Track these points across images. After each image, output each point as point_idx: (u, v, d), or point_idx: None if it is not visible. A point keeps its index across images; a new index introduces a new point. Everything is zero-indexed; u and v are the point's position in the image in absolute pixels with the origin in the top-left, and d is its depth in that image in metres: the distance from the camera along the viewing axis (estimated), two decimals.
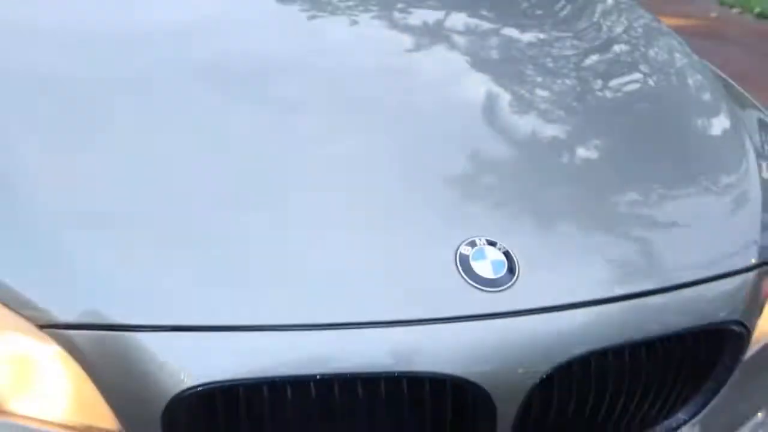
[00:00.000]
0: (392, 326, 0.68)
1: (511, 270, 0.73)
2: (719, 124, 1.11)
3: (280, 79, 0.98)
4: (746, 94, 1.30)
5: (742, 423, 1.12)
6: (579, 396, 0.73)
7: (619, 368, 0.74)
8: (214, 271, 0.72)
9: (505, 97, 1.06)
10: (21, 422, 0.73)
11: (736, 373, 0.90)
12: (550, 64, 1.15)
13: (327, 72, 1.00)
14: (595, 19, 1.41)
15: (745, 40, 3.78)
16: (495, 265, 0.72)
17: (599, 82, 1.16)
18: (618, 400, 0.76)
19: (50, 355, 0.71)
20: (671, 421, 0.84)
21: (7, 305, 0.70)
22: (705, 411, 0.87)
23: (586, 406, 0.74)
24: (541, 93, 1.10)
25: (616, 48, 1.30)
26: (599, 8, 1.43)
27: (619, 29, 1.38)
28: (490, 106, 1.01)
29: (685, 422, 0.85)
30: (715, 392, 0.89)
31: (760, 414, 1.22)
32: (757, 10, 5.96)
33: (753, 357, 0.93)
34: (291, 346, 0.67)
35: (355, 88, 0.98)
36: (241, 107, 0.93)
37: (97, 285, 0.70)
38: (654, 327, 0.75)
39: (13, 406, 0.73)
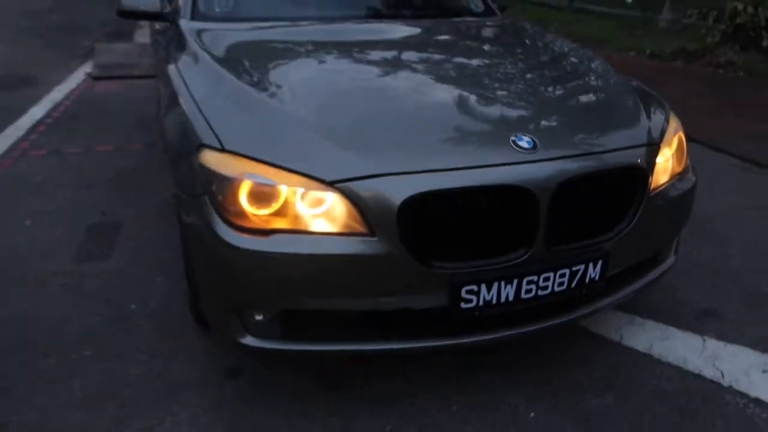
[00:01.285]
0: (495, 167, 1.56)
1: (534, 145, 1.62)
2: (622, 86, 2.11)
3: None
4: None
5: (655, 261, 2.01)
6: (568, 202, 1.61)
7: (584, 188, 1.63)
8: (408, 142, 1.59)
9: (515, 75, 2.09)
10: (318, 236, 1.53)
11: (644, 209, 1.78)
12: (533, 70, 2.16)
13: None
14: (557, 52, 2.49)
15: (642, 75, 4.94)
16: (528, 143, 1.61)
17: (555, 72, 2.16)
18: (583, 207, 1.65)
19: (332, 197, 1.52)
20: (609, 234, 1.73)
21: (307, 174, 1.52)
22: (626, 231, 1.74)
23: (571, 207, 1.62)
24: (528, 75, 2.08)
25: (568, 59, 2.34)
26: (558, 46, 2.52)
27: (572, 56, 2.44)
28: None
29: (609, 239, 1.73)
30: (632, 218, 1.77)
31: (669, 259, 2.11)
32: (648, 51, 7.42)
33: (653, 197, 1.82)
34: (449, 176, 1.53)
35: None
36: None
37: (350, 159, 1.54)
38: (596, 165, 1.65)
39: (313, 228, 1.54)
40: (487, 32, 2.85)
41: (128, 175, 3.56)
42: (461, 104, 1.88)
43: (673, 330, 2.23)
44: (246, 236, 1.55)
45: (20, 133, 4.25)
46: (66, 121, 4.56)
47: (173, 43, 2.53)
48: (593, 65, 2.37)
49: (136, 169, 3.66)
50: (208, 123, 1.70)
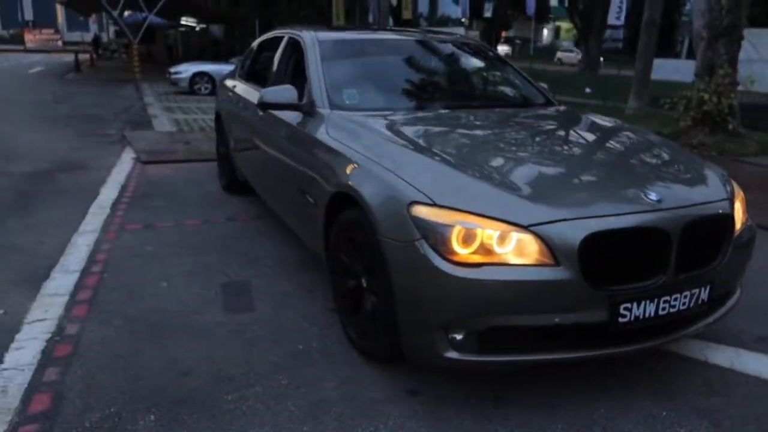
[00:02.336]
0: (640, 213, 2.13)
1: (660, 198, 2.19)
2: (692, 156, 2.74)
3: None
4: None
5: (730, 291, 2.57)
6: (688, 240, 2.17)
7: (698, 230, 2.20)
8: (576, 194, 2.20)
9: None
10: (515, 267, 2.04)
11: (731, 247, 2.35)
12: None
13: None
14: (632, 132, 3.14)
15: None
16: (656, 196, 2.19)
17: (643, 146, 2.82)
18: (697, 244, 2.21)
19: (527, 236, 2.04)
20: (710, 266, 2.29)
21: (507, 220, 2.04)
22: (722, 263, 2.30)
23: (690, 244, 2.18)
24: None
25: (644, 137, 3.02)
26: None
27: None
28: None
29: (714, 268, 2.29)
30: (726, 253, 2.33)
31: (737, 293, 2.67)
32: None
33: (735, 238, 2.40)
34: (612, 220, 2.07)
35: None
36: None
37: (545, 206, 2.09)
38: (706, 212, 2.24)
39: (511, 260, 2.04)
40: (570, 117, 3.50)
41: (229, 243, 3.98)
42: (596, 168, 2.49)
43: (742, 351, 2.76)
44: (459, 268, 2.03)
45: (107, 211, 4.64)
46: (141, 200, 4.97)
47: (313, 127, 3.06)
48: (663, 140, 3.03)
49: (231, 237, 4.09)
50: (412, 185, 2.21)
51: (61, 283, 3.28)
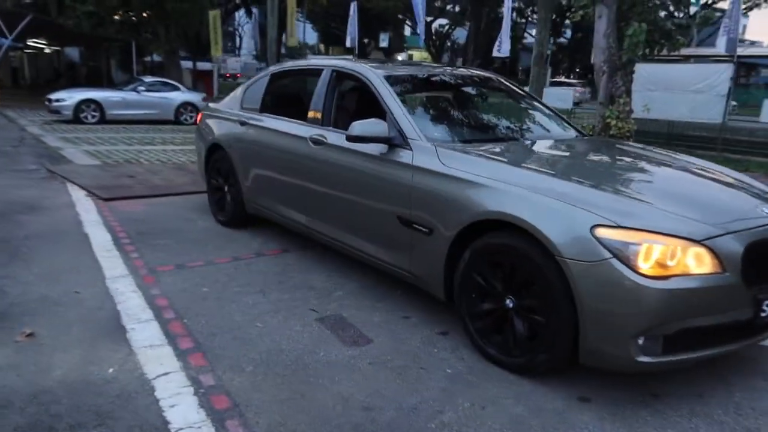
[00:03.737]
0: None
1: None
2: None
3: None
4: None
5: None
6: None
7: None
8: (725, 213, 2.57)
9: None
10: (695, 276, 2.36)
11: None
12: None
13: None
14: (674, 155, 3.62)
15: None
16: None
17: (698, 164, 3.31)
18: None
19: (701, 249, 2.38)
20: None
21: (684, 237, 2.36)
22: None
23: None
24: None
25: (688, 158, 3.47)
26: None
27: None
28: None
29: None
30: None
31: None
32: None
33: None
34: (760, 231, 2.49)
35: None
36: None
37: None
38: None
39: (691, 270, 2.36)
40: (613, 144, 3.93)
41: (281, 278, 3.89)
42: (706, 187, 2.93)
43: None
44: (652, 281, 2.30)
45: (116, 253, 4.27)
46: (144, 239, 4.63)
47: (417, 158, 3.17)
48: (702, 161, 3.57)
49: (277, 272, 3.99)
50: (586, 209, 2.45)
51: (146, 334, 3.02)
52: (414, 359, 2.87)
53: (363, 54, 46.50)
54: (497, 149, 3.31)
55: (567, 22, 37.53)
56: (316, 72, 4.22)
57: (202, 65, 28.09)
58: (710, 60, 16.52)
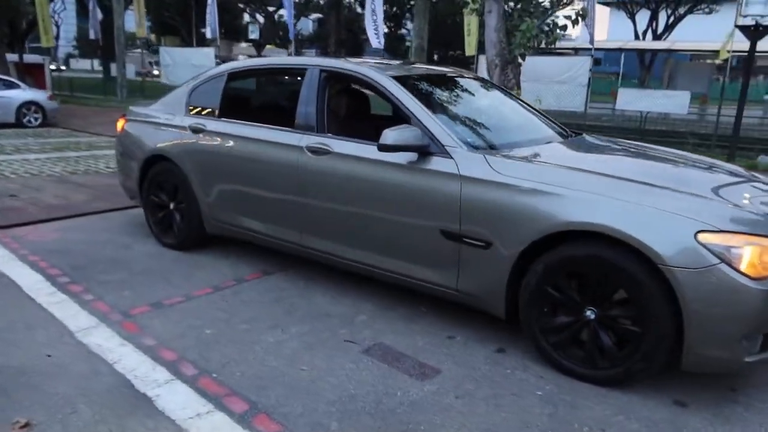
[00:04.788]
0: None
1: None
2: None
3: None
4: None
5: None
6: None
7: None
8: None
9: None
10: None
11: None
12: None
13: None
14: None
15: None
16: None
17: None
18: None
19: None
20: None
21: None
22: None
23: None
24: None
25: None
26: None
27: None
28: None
29: None
30: None
31: None
32: None
33: None
34: None
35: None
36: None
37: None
38: None
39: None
40: (616, 142, 3.99)
41: (287, 307, 3.44)
42: (757, 188, 3.04)
43: None
44: (756, 282, 2.33)
45: (63, 296, 3.48)
46: (87, 275, 3.84)
47: (461, 166, 2.94)
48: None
49: (277, 299, 3.53)
50: (684, 215, 2.42)
51: (179, 399, 2.46)
52: (496, 385, 2.67)
53: (204, 44, 43.95)
54: (546, 153, 3.21)
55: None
56: (295, 72, 3.78)
57: (29, 57, 24.61)
58: (571, 52, 18.10)
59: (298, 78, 3.79)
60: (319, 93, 3.63)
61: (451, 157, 3.01)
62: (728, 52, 11.74)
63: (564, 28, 10.74)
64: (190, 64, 18.94)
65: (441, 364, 2.84)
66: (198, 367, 2.74)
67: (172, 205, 4.41)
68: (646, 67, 30.30)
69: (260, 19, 38.92)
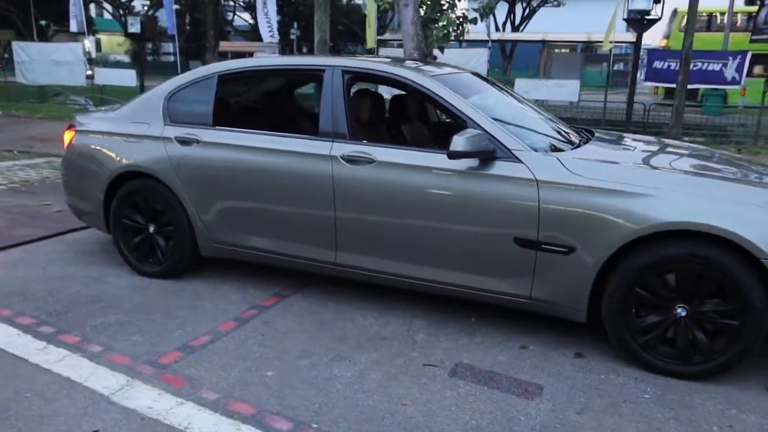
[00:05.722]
0: None
1: None
2: None
3: None
4: None
5: None
6: None
7: None
8: None
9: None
10: None
11: None
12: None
13: None
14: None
15: None
16: None
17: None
18: None
19: None
20: None
21: None
22: None
23: None
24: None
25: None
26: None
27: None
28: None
29: None
30: None
31: None
32: None
33: None
34: None
35: None
36: None
37: None
38: None
39: None
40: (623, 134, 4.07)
41: (325, 336, 3.12)
42: None
43: None
44: None
45: (64, 353, 2.87)
46: (71, 321, 3.21)
47: (536, 170, 2.84)
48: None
49: (315, 328, 3.20)
50: None
51: None
52: (604, 394, 2.61)
53: (45, 38, 39.54)
54: (602, 153, 3.21)
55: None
56: (308, 74, 3.42)
57: None
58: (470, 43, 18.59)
59: (312, 80, 3.44)
60: (346, 96, 3.31)
61: (521, 161, 2.89)
62: (611, 42, 12.77)
63: (474, 21, 11.07)
64: (50, 61, 16.91)
65: (536, 378, 2.73)
66: (290, 419, 2.37)
67: (151, 228, 3.83)
68: (508, 57, 32.36)
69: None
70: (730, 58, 12.33)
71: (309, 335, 3.12)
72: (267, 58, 3.67)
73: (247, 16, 50.33)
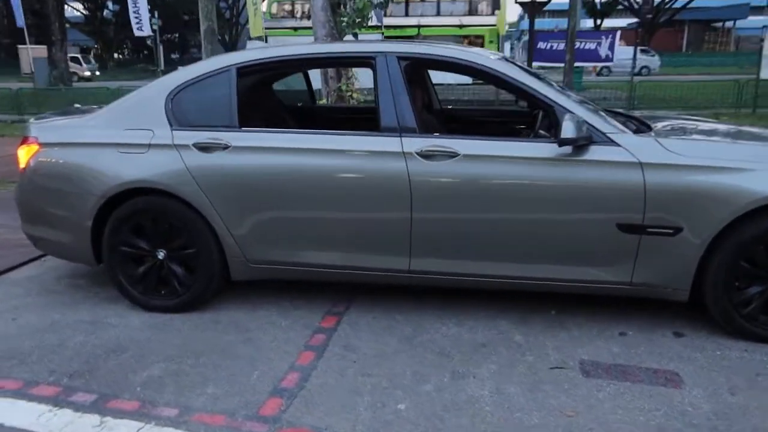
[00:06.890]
0: None
1: None
2: None
3: None
4: None
5: None
6: None
7: None
8: None
9: None
10: None
11: None
12: None
13: None
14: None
15: None
16: None
17: None
18: None
19: None
20: None
21: None
22: None
23: None
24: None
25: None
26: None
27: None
28: None
29: None
30: None
31: None
32: None
33: None
34: None
35: None
36: None
37: None
38: None
39: None
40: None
41: (418, 351, 2.82)
42: None
43: None
44: None
45: (140, 423, 2.27)
46: (113, 382, 2.58)
47: (637, 153, 2.75)
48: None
49: (403, 348, 2.88)
50: None
51: None
52: (735, 372, 2.60)
53: None
54: (693, 131, 3.24)
55: None
56: (351, 61, 3.00)
57: None
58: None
59: (359, 67, 3.06)
60: (407, 86, 2.98)
61: (618, 145, 2.78)
62: (506, 26, 13.33)
63: (383, 5, 10.87)
64: None
65: (665, 365, 2.66)
66: None
67: (161, 254, 3.20)
68: None
69: None
70: (603, 37, 13.44)
71: (406, 355, 2.78)
72: (292, 47, 3.19)
73: (79, 5, 45.48)
